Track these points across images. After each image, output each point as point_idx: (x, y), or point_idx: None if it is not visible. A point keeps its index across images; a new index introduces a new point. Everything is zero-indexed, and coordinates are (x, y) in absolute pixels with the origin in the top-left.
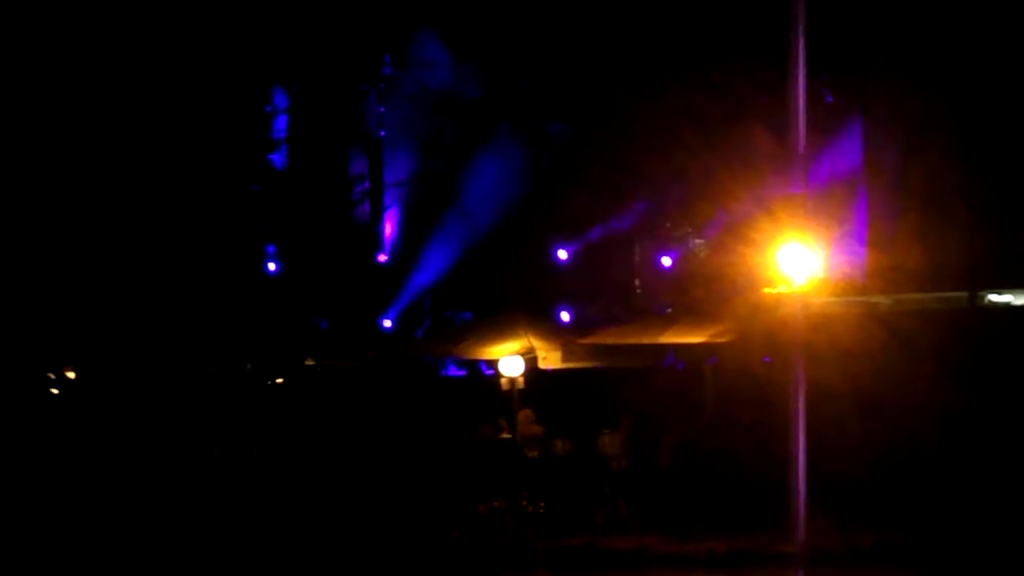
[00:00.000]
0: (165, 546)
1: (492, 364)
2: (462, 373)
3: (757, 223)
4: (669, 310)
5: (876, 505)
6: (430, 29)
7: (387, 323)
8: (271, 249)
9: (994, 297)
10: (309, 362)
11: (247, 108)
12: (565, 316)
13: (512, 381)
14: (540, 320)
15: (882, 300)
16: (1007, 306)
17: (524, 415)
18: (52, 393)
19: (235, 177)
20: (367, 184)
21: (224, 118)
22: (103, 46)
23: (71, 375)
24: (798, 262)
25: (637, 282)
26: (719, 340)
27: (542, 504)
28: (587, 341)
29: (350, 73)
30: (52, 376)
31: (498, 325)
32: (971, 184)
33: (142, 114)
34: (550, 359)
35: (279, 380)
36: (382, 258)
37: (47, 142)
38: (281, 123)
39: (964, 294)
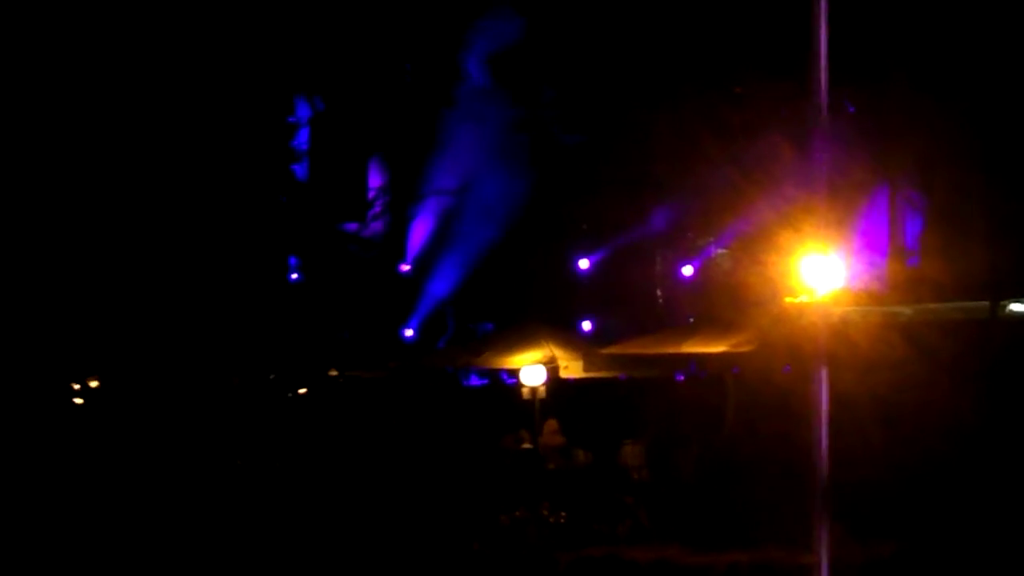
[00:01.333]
0: (187, 555)
1: (514, 374)
2: (484, 383)
3: (778, 233)
4: (691, 320)
5: (898, 516)
6: (452, 41)
7: (409, 333)
8: (293, 260)
9: (1016, 307)
10: (332, 372)
11: (270, 119)
12: (587, 326)
13: (534, 391)
14: (562, 330)
15: (903, 310)
16: None
17: (549, 426)
18: (75, 403)
19: (258, 188)
20: (389, 195)
21: (248, 129)
22: (131, 59)
23: (94, 385)
24: (820, 272)
25: (659, 292)
26: (741, 350)
27: (563, 514)
28: (609, 351)
29: (372, 84)
30: (76, 386)
31: (520, 335)
32: (993, 193)
33: (167, 127)
34: (572, 369)
35: (302, 390)
36: (404, 268)
37: (73, 155)
38: (303, 134)
39: (986, 304)
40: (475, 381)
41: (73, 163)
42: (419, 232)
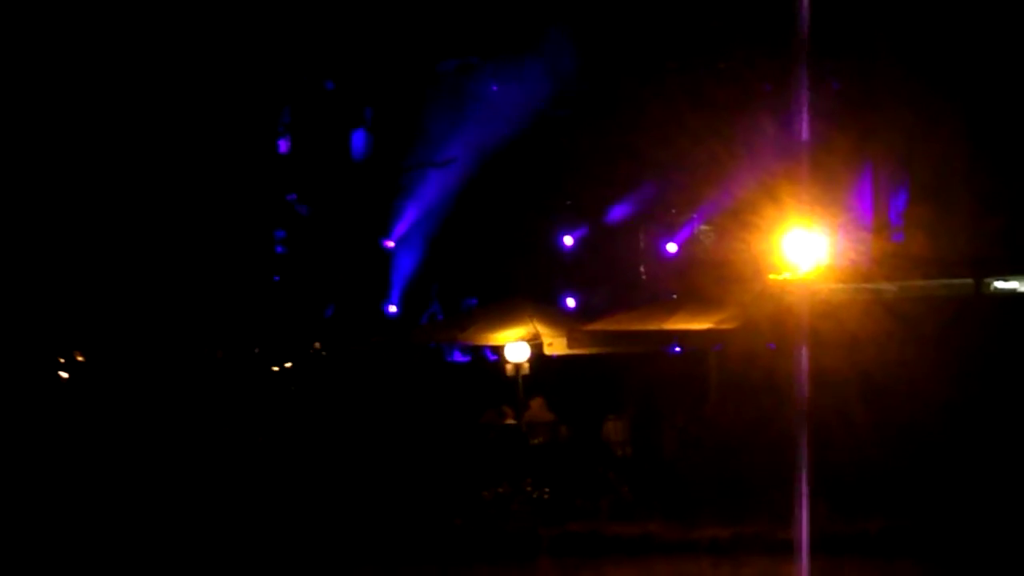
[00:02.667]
0: (173, 528)
1: (497, 350)
2: (467, 359)
3: (762, 210)
4: (674, 296)
5: (882, 492)
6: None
7: (392, 309)
8: (279, 234)
9: (1000, 284)
10: (316, 346)
11: (253, 93)
12: (570, 302)
13: (517, 367)
14: (546, 306)
15: (887, 287)
16: (1013, 293)
17: (538, 403)
18: (61, 377)
19: (242, 162)
20: (373, 170)
21: (231, 106)
22: (119, 40)
23: (80, 359)
24: (803, 249)
25: (642, 269)
26: (724, 327)
27: (546, 490)
28: (592, 327)
29: (356, 58)
30: (61, 360)
31: (504, 311)
32: (977, 170)
33: (153, 103)
34: (555, 345)
35: (287, 365)
36: (388, 244)
37: (60, 133)
38: (286, 108)
39: (970, 281)
40: (458, 357)
41: (61, 145)
42: (403, 207)
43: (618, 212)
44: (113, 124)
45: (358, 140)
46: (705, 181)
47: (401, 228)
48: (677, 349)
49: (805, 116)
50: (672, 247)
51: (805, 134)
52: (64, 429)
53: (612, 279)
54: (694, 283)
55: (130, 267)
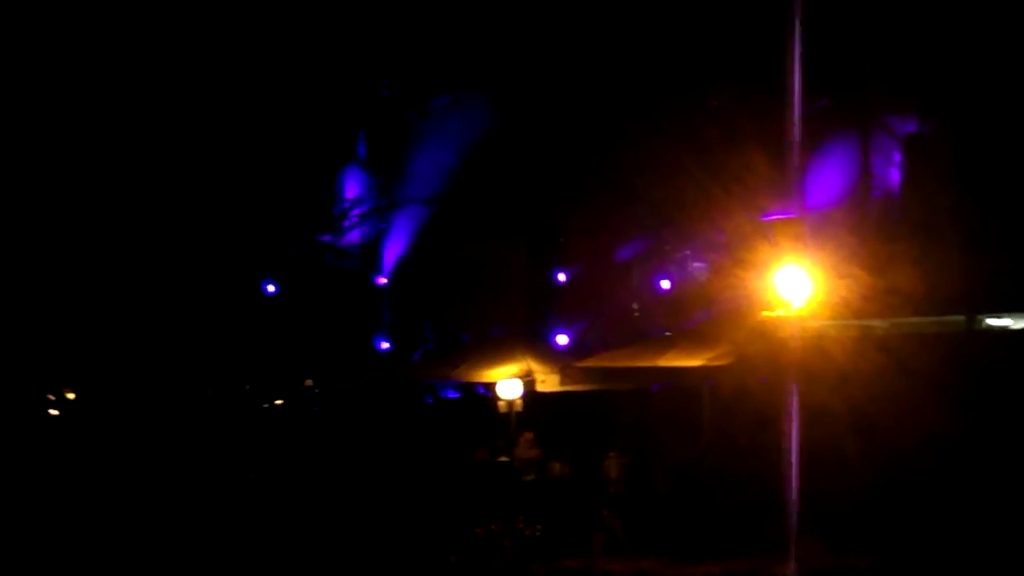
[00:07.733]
0: (162, 565)
1: (490, 387)
2: (460, 395)
3: (755, 246)
4: (667, 333)
5: (873, 528)
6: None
7: (385, 345)
8: (270, 271)
9: (991, 320)
10: (308, 383)
11: (245, 130)
12: (563, 339)
13: (510, 404)
14: (538, 343)
15: (879, 323)
16: (1004, 329)
17: (525, 438)
18: (51, 414)
19: (233, 200)
20: (366, 206)
21: (223, 145)
22: (115, 59)
23: (71, 396)
24: (795, 285)
25: (635, 305)
26: (717, 363)
27: (539, 527)
28: (585, 364)
29: (348, 95)
30: (52, 397)
31: (496, 348)
32: (968, 207)
33: (145, 141)
34: (548, 382)
35: (278, 401)
36: (381, 280)
37: (52, 168)
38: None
39: (961, 317)
40: (451, 394)
41: (53, 180)
42: (396, 243)
43: (611, 249)
44: (103, 163)
45: (351, 175)
46: (698, 218)
47: (394, 264)
48: (670, 385)
49: (796, 153)
50: (665, 284)
51: (797, 171)
52: (53, 465)
53: (605, 316)
54: (687, 319)
55: (120, 304)
